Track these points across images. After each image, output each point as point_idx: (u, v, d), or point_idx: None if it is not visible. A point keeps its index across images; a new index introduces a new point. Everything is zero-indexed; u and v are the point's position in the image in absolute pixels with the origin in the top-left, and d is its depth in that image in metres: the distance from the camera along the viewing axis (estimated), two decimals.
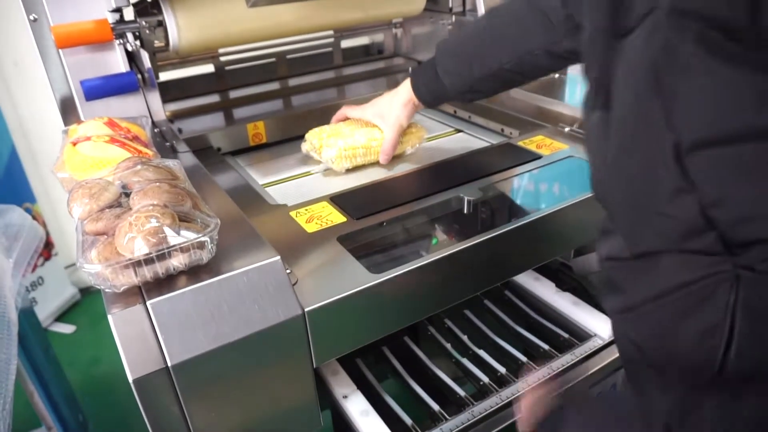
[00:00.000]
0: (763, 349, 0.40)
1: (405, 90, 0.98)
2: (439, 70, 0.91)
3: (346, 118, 1.08)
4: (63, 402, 1.42)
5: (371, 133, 1.02)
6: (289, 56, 1.40)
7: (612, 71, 0.44)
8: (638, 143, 0.43)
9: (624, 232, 0.47)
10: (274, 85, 1.37)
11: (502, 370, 0.86)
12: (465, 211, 0.85)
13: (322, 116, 1.23)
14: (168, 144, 0.94)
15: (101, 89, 0.93)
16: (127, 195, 0.63)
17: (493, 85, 0.91)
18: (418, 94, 0.96)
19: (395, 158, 1.05)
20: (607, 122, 0.46)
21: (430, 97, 0.96)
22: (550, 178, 0.92)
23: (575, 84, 1.22)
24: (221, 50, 1.30)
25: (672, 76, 0.40)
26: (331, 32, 1.44)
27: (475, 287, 0.80)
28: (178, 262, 0.56)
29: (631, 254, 0.45)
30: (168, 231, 0.55)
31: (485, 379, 0.85)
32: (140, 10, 1.02)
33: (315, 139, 1.03)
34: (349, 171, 1.02)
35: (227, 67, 1.33)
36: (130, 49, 0.97)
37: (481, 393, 0.84)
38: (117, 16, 0.94)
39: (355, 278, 0.67)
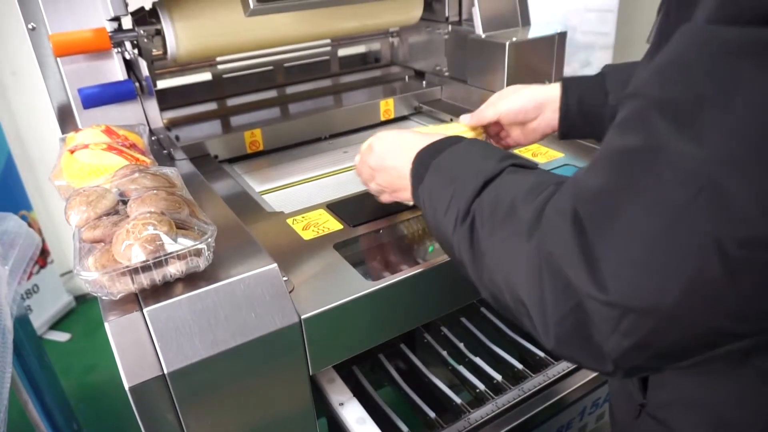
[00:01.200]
0: None
1: (546, 90, 0.81)
2: (608, 81, 0.77)
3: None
4: (57, 411, 1.41)
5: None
6: (286, 64, 1.41)
7: None
8: None
9: None
10: (272, 93, 1.38)
11: (498, 377, 0.86)
12: None
13: (319, 124, 1.24)
14: (165, 152, 0.95)
15: (99, 97, 0.93)
16: (125, 202, 0.63)
17: None
18: (565, 97, 0.79)
19: None
20: None
21: (577, 108, 0.79)
22: None
23: None
24: (219, 58, 1.30)
25: None
26: (328, 41, 1.45)
27: (471, 294, 0.80)
28: (175, 269, 0.57)
29: None
30: (165, 238, 0.55)
31: (481, 386, 0.85)
32: (138, 19, 1.02)
33: None
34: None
35: (225, 75, 1.34)
36: (128, 57, 0.97)
37: (477, 400, 0.84)
38: (115, 24, 0.95)
39: (352, 285, 0.67)
